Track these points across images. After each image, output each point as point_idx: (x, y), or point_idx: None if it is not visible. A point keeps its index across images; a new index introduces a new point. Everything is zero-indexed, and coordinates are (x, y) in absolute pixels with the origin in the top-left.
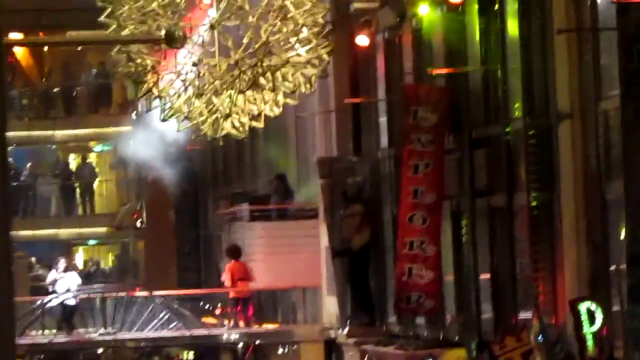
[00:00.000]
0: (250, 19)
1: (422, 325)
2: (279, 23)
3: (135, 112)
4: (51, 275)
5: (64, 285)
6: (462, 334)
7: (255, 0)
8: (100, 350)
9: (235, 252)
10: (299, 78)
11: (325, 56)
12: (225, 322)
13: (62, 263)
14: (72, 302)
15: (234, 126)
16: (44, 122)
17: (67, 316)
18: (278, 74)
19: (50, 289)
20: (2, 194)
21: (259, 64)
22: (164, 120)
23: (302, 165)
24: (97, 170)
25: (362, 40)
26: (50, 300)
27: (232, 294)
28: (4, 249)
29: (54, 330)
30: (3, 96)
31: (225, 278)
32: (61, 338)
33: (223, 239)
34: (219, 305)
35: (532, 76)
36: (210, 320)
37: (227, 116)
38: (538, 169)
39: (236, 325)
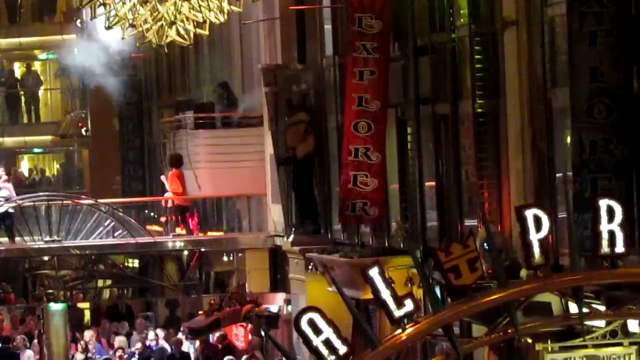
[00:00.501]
0: None
1: (367, 233)
2: None
3: (79, 20)
4: None
5: (6, 193)
6: (407, 241)
7: None
8: (45, 258)
9: (176, 161)
10: None
11: None
12: (170, 230)
13: (1, 171)
14: (11, 211)
15: (178, 34)
16: None
17: (8, 226)
18: None
19: None
20: None
21: None
22: (108, 28)
23: (246, 73)
24: (42, 78)
25: None
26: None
27: (171, 203)
28: None
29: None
30: None
31: (168, 187)
32: (6, 246)
33: (167, 148)
34: (164, 213)
35: None
36: (155, 228)
37: (172, 24)
38: (483, 76)
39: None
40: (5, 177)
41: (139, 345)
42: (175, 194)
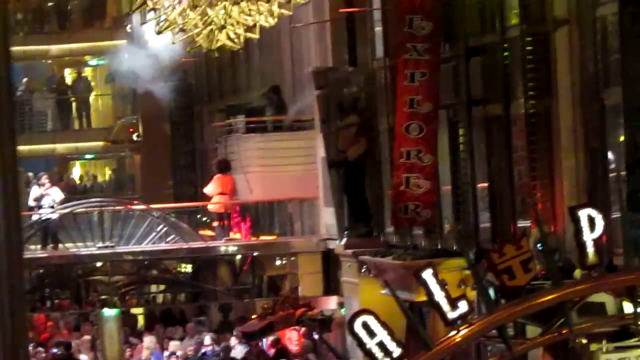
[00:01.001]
0: None
1: (419, 235)
2: None
3: (129, 26)
4: (34, 192)
5: (50, 200)
6: (460, 243)
7: None
8: (99, 264)
9: (224, 166)
10: None
11: None
12: (222, 235)
13: (44, 179)
14: (54, 216)
15: (229, 37)
16: (38, 37)
17: (52, 231)
18: None
19: (34, 205)
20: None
21: None
22: (158, 32)
23: (297, 76)
24: (92, 84)
25: None
26: (46, 215)
27: (213, 208)
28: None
29: (51, 246)
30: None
31: (211, 190)
32: (60, 252)
33: (219, 152)
34: (217, 218)
35: None
36: (207, 233)
37: (222, 28)
38: (535, 76)
39: (229, 238)
40: (48, 184)
41: (190, 349)
42: (222, 198)
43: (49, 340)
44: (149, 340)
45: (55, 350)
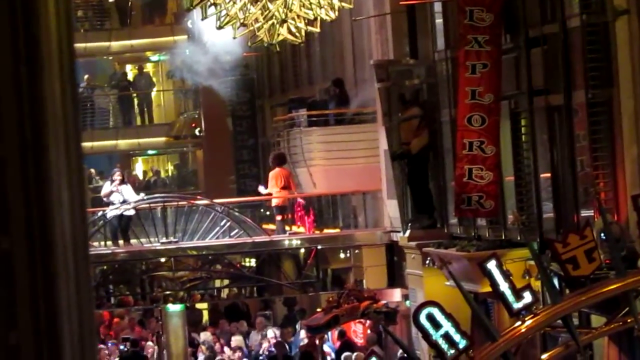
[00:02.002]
0: None
1: (483, 226)
2: None
3: (190, 21)
4: (106, 188)
5: (120, 197)
6: (524, 233)
7: None
8: (162, 260)
9: (280, 160)
10: None
11: None
12: (287, 228)
13: (117, 175)
14: (128, 213)
15: (290, 31)
16: (99, 34)
17: (123, 228)
18: None
19: (106, 201)
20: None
21: None
22: (219, 27)
23: (358, 69)
24: (154, 80)
25: None
26: (110, 212)
27: (275, 202)
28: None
29: (120, 242)
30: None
31: (270, 185)
32: (123, 248)
33: (281, 146)
34: (277, 212)
35: None
36: (270, 227)
37: (283, 22)
38: (596, 66)
39: (293, 232)
40: (119, 180)
41: (265, 345)
42: (283, 192)
43: (115, 338)
44: (204, 336)
45: (122, 347)
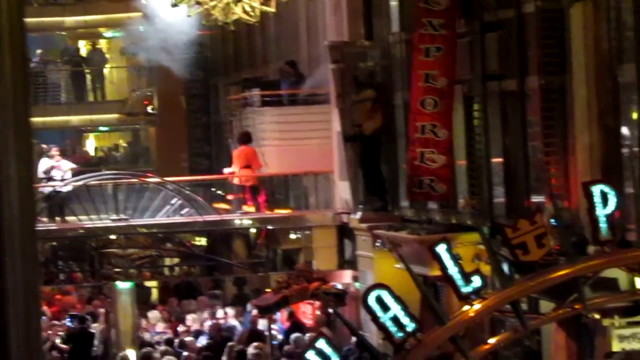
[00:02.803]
0: None
1: (434, 209)
2: None
3: None
4: (43, 164)
5: (59, 173)
6: (474, 218)
7: None
8: (113, 237)
9: (245, 138)
10: None
11: None
12: (237, 208)
13: (54, 150)
14: (66, 189)
15: (244, 11)
16: (53, 8)
17: (60, 204)
18: None
19: (43, 177)
20: (22, 82)
21: None
22: (174, 5)
23: (313, 50)
24: (107, 56)
25: None
26: (59, 187)
27: (238, 181)
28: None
29: (58, 218)
30: None
31: (234, 164)
32: (73, 225)
33: (234, 125)
34: (231, 191)
35: None
36: (222, 206)
37: (238, 1)
38: (550, 52)
39: (244, 211)
40: (58, 157)
41: (209, 322)
42: (247, 170)
43: (60, 314)
44: (152, 316)
45: (69, 324)
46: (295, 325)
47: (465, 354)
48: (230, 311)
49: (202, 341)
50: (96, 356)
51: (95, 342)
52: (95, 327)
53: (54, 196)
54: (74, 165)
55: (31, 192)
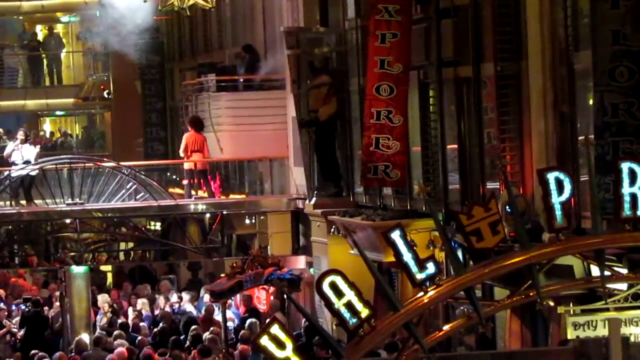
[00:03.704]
0: None
1: (389, 195)
2: None
3: None
4: (9, 147)
5: (21, 156)
6: (429, 204)
7: None
8: (68, 221)
9: (195, 123)
10: None
11: None
12: (193, 193)
13: (20, 134)
14: (32, 173)
15: None
16: None
17: (26, 188)
18: None
19: (10, 161)
20: None
21: None
22: None
23: (268, 36)
24: (64, 41)
25: None
26: (15, 172)
27: (186, 166)
28: None
29: (22, 202)
30: None
31: (181, 148)
32: (28, 209)
33: (189, 110)
34: (186, 176)
35: None
36: (177, 191)
37: None
38: (505, 39)
39: (199, 196)
40: (20, 140)
41: (167, 308)
42: (198, 155)
43: (16, 298)
44: (102, 300)
45: (23, 307)
46: (253, 310)
47: (419, 340)
48: (185, 296)
49: (155, 326)
50: (51, 340)
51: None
52: (51, 312)
53: (20, 179)
54: (37, 150)
55: None
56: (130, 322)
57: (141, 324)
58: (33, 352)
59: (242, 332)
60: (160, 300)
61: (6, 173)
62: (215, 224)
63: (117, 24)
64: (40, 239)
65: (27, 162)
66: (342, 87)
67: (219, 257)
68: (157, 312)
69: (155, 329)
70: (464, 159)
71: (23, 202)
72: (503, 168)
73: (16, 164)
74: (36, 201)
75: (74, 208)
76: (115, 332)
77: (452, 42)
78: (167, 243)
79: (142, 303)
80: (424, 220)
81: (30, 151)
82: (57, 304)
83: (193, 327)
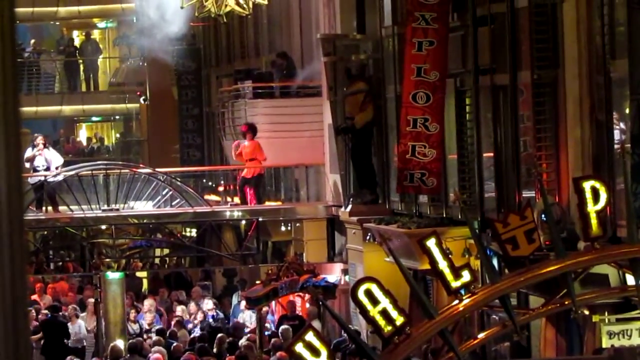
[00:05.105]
0: None
1: (425, 203)
2: None
3: None
4: (28, 152)
5: (43, 161)
6: (465, 212)
7: None
8: (103, 227)
9: (252, 130)
10: None
11: None
12: (228, 199)
13: (39, 140)
14: (54, 179)
15: (237, 3)
16: None
17: (50, 194)
18: None
19: (28, 166)
20: (12, 71)
21: None
22: None
23: (305, 43)
24: (100, 46)
25: None
26: (44, 178)
27: (243, 173)
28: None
29: (48, 208)
30: None
31: (235, 154)
32: (65, 215)
33: (226, 117)
34: (222, 182)
35: None
36: (213, 197)
37: None
38: (542, 47)
39: (234, 203)
40: (41, 145)
41: (200, 316)
42: (254, 162)
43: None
44: (148, 304)
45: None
46: (296, 317)
47: (454, 348)
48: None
49: (195, 332)
50: (81, 348)
51: (83, 331)
52: (83, 317)
53: (43, 186)
54: (61, 161)
55: (19, 183)
56: (171, 328)
57: (180, 331)
58: (68, 358)
59: (273, 339)
60: (192, 306)
61: (41, 179)
62: (251, 231)
63: (153, 30)
64: (75, 245)
65: (48, 169)
66: (379, 94)
67: (254, 263)
68: (190, 317)
69: (194, 335)
70: (499, 166)
71: (49, 208)
72: (539, 176)
73: (38, 170)
74: (72, 207)
75: (109, 214)
76: (154, 338)
77: (489, 49)
78: (202, 249)
79: (181, 310)
80: (460, 228)
81: (54, 156)
82: (91, 309)
83: (219, 335)
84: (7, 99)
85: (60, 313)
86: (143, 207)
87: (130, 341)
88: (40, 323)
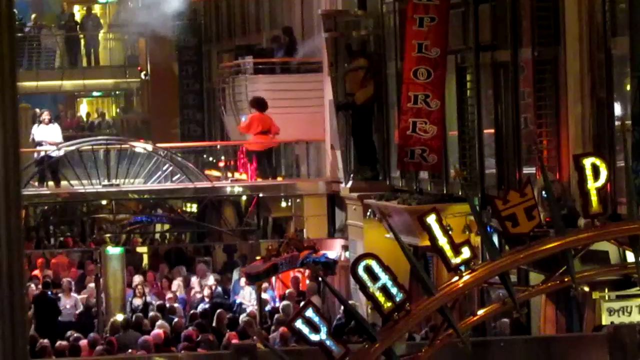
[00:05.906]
0: None
1: (425, 180)
2: None
3: None
4: (35, 129)
5: (47, 137)
6: (465, 189)
7: None
8: (104, 202)
9: (260, 104)
10: None
11: None
12: (229, 175)
13: (45, 115)
14: (55, 154)
15: None
16: None
17: (52, 169)
18: None
19: (35, 141)
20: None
21: None
22: None
23: (306, 19)
24: (101, 22)
25: None
26: (49, 153)
27: (250, 147)
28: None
29: (51, 184)
30: None
31: (245, 128)
32: (65, 190)
33: (226, 92)
34: (222, 158)
35: None
36: (213, 173)
37: None
38: (543, 23)
39: (235, 179)
40: (47, 120)
41: (207, 291)
42: (260, 137)
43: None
44: (137, 280)
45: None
46: (300, 293)
47: (454, 325)
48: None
49: (201, 307)
50: (83, 322)
51: (79, 306)
52: (84, 292)
53: (46, 161)
54: (60, 139)
55: (17, 158)
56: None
57: (175, 305)
58: (69, 333)
59: (277, 315)
60: (194, 282)
61: (42, 154)
62: (251, 207)
63: (154, 5)
64: (76, 220)
65: (50, 144)
66: (380, 70)
67: (254, 239)
68: (191, 294)
69: (192, 311)
70: (500, 143)
71: (51, 183)
72: (539, 153)
73: (41, 145)
74: (72, 182)
75: (110, 189)
76: (152, 314)
77: (490, 26)
78: (202, 225)
79: (177, 285)
80: (460, 205)
81: (55, 132)
82: (92, 285)
83: (219, 310)
84: (5, 76)
85: (55, 290)
86: (142, 184)
87: (127, 316)
88: (32, 299)
